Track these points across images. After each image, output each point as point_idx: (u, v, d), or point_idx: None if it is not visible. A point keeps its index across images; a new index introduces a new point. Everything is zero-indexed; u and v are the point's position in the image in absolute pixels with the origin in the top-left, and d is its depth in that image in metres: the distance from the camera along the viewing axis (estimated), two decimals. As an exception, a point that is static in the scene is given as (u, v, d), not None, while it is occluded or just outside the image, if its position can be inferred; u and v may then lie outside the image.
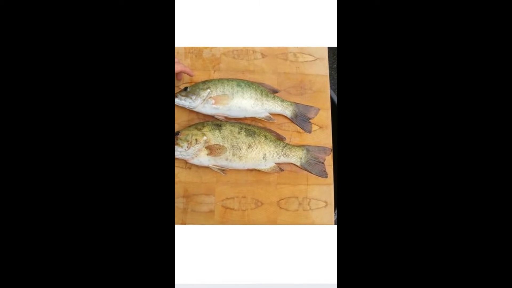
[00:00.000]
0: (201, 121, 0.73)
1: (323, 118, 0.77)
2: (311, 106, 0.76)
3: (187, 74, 0.73)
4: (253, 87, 0.73)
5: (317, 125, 0.77)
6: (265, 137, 0.71)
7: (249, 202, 0.72)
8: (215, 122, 0.71)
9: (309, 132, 0.76)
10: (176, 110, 0.74)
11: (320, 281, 0.64)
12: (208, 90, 0.71)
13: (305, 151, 0.72)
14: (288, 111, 0.75)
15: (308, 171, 0.73)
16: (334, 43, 0.74)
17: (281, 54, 0.80)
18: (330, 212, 0.73)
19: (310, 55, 0.80)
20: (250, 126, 0.72)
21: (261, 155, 0.70)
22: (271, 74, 0.78)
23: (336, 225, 0.67)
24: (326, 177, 0.72)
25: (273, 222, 0.71)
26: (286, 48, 0.80)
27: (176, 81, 0.75)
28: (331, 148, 0.75)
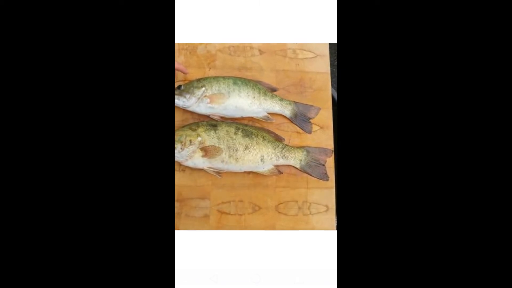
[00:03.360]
0: (196, 121, 0.72)
1: (324, 118, 0.76)
2: (311, 105, 0.75)
3: (181, 71, 0.72)
4: (250, 85, 0.72)
5: (318, 125, 0.76)
6: (263, 138, 0.70)
7: (246, 207, 0.71)
8: (211, 122, 0.70)
9: (309, 132, 0.74)
10: (170, 110, 0.72)
11: (320, 290, 0.63)
12: (203, 88, 0.70)
13: (305, 152, 0.71)
14: (287, 111, 0.74)
15: (308, 173, 0.71)
16: (335, 39, 0.72)
17: (279, 51, 0.78)
18: (331, 217, 0.72)
19: (310, 51, 0.79)
20: (247, 127, 0.70)
21: (259, 157, 0.68)
22: (269, 71, 0.77)
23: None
24: (327, 180, 0.71)
25: (272, 227, 0.70)
26: (285, 44, 0.79)
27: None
28: (332, 149, 0.73)
